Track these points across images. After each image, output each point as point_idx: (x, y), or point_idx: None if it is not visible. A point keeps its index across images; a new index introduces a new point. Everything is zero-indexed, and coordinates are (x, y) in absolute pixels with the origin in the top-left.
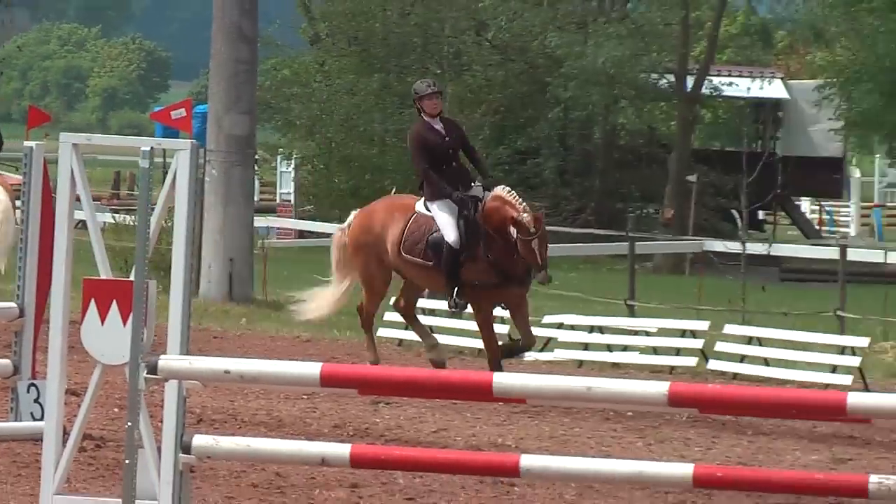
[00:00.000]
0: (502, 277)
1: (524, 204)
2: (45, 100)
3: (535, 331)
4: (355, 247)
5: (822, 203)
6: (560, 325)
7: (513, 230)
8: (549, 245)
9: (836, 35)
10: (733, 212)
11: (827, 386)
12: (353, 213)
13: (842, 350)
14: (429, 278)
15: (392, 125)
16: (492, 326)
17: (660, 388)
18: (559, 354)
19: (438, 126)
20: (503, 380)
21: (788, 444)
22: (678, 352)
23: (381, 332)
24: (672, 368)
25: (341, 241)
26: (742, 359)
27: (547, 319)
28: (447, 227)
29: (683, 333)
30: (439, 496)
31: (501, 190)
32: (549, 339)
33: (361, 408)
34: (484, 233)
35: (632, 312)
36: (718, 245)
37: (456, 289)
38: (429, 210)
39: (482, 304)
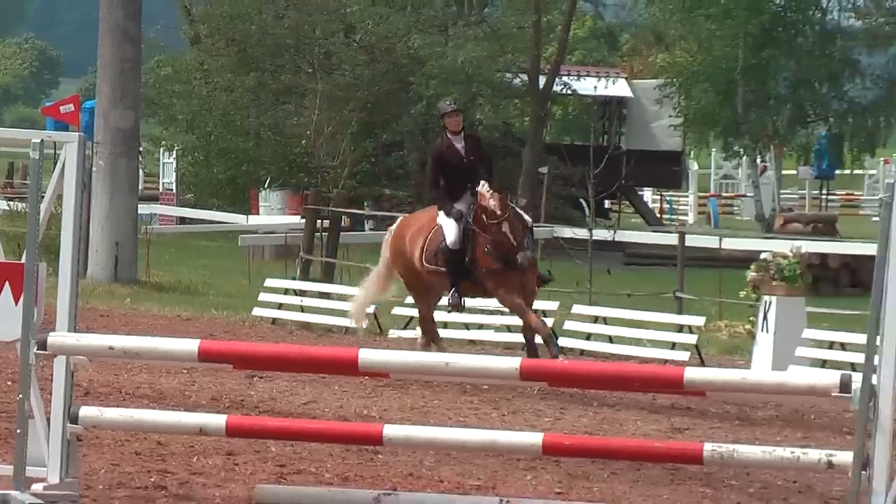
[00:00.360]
0: (503, 261)
1: (491, 192)
2: None
3: (398, 311)
4: (392, 251)
5: (663, 193)
6: None
7: (484, 219)
8: None
9: (675, 38)
10: (581, 201)
11: (666, 362)
12: (399, 218)
13: (680, 328)
14: (447, 284)
15: (267, 120)
16: (522, 306)
17: (512, 363)
18: (420, 332)
19: (460, 145)
20: (368, 356)
21: (631, 414)
22: (481, 326)
23: (256, 311)
24: (524, 345)
25: (387, 242)
26: (589, 336)
27: (410, 300)
28: (449, 232)
29: (535, 313)
30: (308, 463)
31: (480, 187)
32: (411, 318)
33: (237, 381)
34: (477, 231)
35: None
36: (567, 231)
37: (454, 288)
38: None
39: (499, 290)
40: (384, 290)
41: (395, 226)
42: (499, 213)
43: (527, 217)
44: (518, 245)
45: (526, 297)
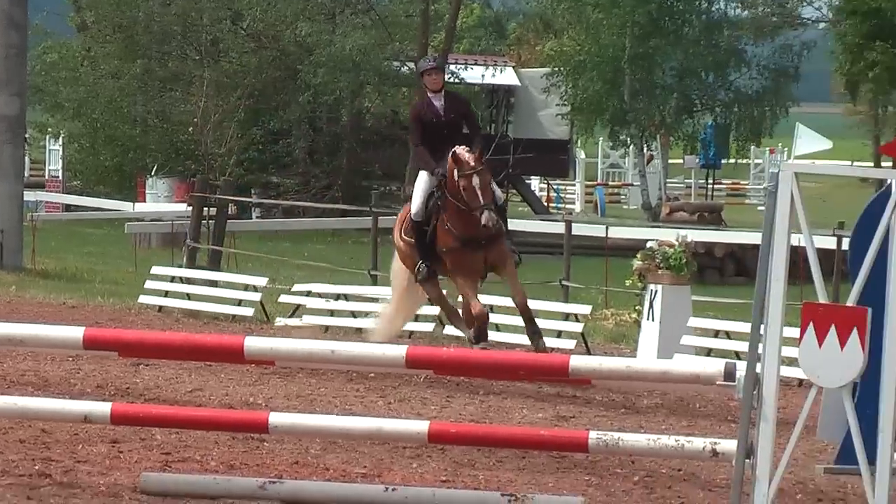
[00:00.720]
0: (461, 242)
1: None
2: None
3: (284, 298)
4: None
5: (550, 181)
6: (308, 293)
7: (455, 173)
8: (304, 219)
9: (563, 27)
10: None
11: (552, 350)
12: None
13: (566, 317)
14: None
15: (154, 107)
16: (468, 293)
17: (398, 351)
18: (307, 320)
19: (439, 103)
20: (254, 343)
21: (517, 403)
22: (416, 318)
23: (142, 299)
24: (411, 333)
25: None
26: None
27: (296, 288)
28: (415, 199)
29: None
30: (194, 451)
31: (458, 148)
32: (297, 306)
33: (123, 369)
34: (445, 200)
35: (375, 281)
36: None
37: (421, 261)
38: None
39: (455, 272)
40: (408, 300)
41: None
42: (472, 163)
43: (500, 192)
44: (485, 204)
45: (498, 268)
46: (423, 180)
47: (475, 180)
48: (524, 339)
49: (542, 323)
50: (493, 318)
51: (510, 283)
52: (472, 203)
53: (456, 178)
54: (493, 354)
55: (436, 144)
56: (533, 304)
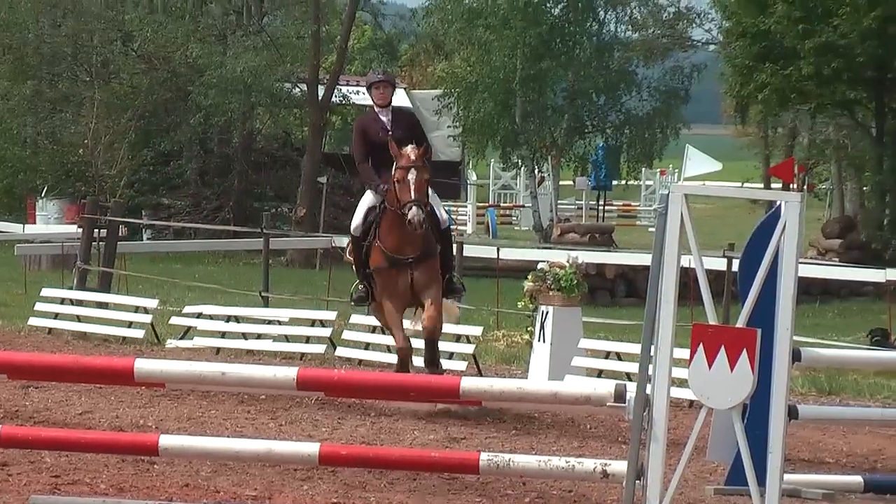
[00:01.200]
0: (389, 261)
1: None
2: None
3: (175, 320)
4: None
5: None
6: (199, 315)
7: (394, 167)
8: (195, 240)
9: (454, 48)
10: None
11: (444, 371)
12: None
13: (458, 338)
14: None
15: (44, 128)
16: (392, 324)
17: (289, 373)
18: (198, 342)
19: (385, 118)
20: (144, 365)
21: (409, 424)
22: (308, 339)
23: (32, 321)
24: (303, 355)
25: None
26: (367, 346)
27: (188, 309)
28: (357, 213)
29: (313, 323)
30: (84, 473)
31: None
32: (189, 328)
33: (11, 391)
34: (383, 214)
35: (266, 303)
36: (346, 240)
37: (358, 280)
38: None
39: (381, 294)
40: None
41: None
42: (412, 158)
43: (444, 215)
44: (415, 199)
45: (423, 292)
46: (367, 197)
47: (411, 175)
48: (415, 361)
49: None
50: (385, 339)
51: (427, 306)
52: (402, 197)
53: (394, 171)
54: (383, 376)
55: (379, 160)
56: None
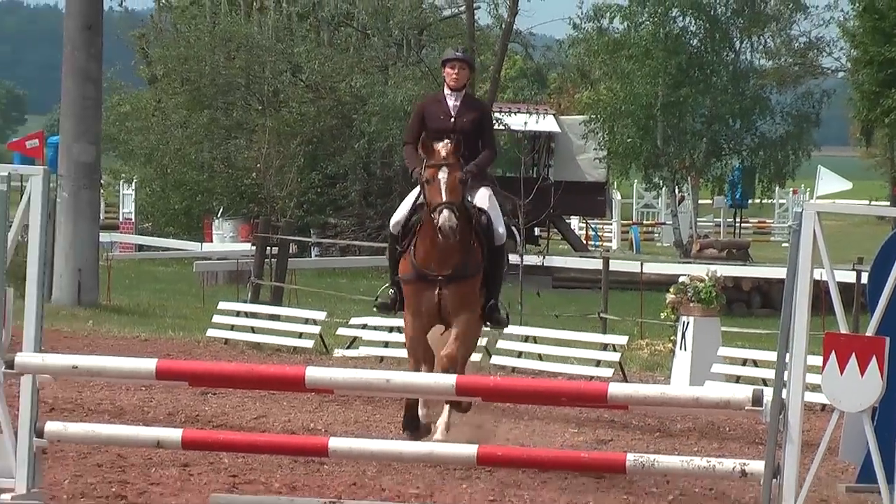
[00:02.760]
0: (417, 274)
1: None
2: None
3: (342, 331)
4: None
5: (588, 221)
6: (364, 326)
7: (422, 166)
8: (359, 256)
9: (599, 77)
10: (513, 228)
11: (591, 378)
12: None
13: (604, 347)
14: None
15: (219, 153)
16: (412, 345)
17: (449, 380)
18: (363, 351)
19: (453, 102)
20: (314, 373)
21: (559, 427)
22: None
23: (210, 332)
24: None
25: None
26: (520, 354)
27: (354, 321)
28: (401, 208)
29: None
30: (259, 473)
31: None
32: (355, 338)
33: (192, 398)
34: (417, 220)
35: None
36: None
37: (388, 284)
38: None
39: (406, 307)
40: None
41: None
42: (443, 154)
43: (502, 230)
44: (446, 202)
45: (450, 316)
46: (416, 190)
47: (442, 174)
48: (565, 368)
49: (581, 353)
50: (536, 348)
51: (451, 340)
52: (432, 199)
53: (422, 171)
54: (536, 383)
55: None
56: (572, 335)
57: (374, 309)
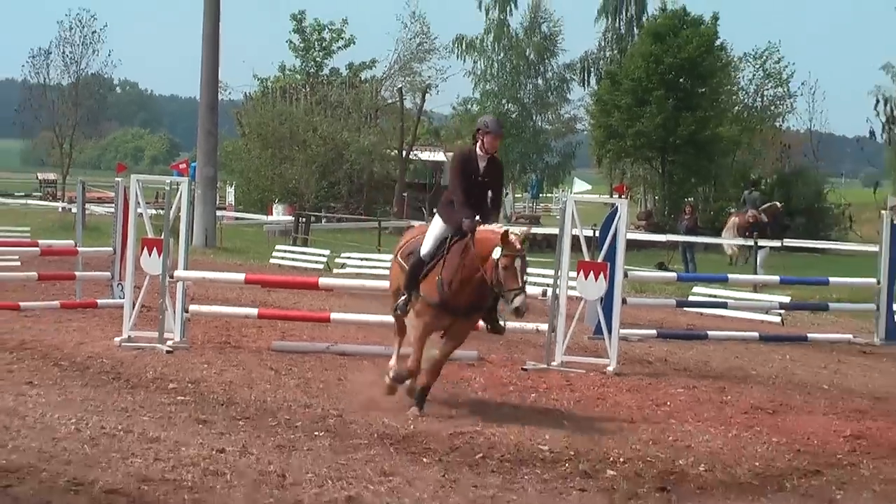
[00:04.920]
0: (443, 302)
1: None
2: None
3: (338, 261)
4: None
5: None
6: (349, 258)
7: (498, 250)
8: None
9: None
10: None
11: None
12: None
13: None
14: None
15: (276, 171)
16: (418, 339)
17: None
18: (348, 271)
19: (482, 161)
20: (324, 281)
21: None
22: None
23: (271, 261)
24: None
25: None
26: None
27: (343, 255)
28: (429, 239)
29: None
30: (297, 331)
31: (491, 223)
32: (343, 264)
33: (262, 293)
34: (452, 255)
35: None
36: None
37: (405, 296)
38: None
39: (421, 319)
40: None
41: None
42: (518, 247)
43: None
44: (522, 286)
45: (453, 333)
46: (438, 225)
47: (518, 262)
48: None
49: None
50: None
51: (448, 341)
52: (508, 284)
53: (498, 256)
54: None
55: (468, 198)
56: None
57: (397, 312)
